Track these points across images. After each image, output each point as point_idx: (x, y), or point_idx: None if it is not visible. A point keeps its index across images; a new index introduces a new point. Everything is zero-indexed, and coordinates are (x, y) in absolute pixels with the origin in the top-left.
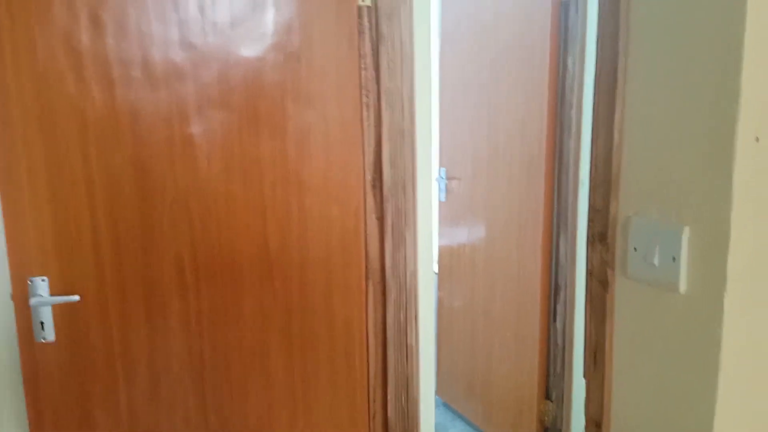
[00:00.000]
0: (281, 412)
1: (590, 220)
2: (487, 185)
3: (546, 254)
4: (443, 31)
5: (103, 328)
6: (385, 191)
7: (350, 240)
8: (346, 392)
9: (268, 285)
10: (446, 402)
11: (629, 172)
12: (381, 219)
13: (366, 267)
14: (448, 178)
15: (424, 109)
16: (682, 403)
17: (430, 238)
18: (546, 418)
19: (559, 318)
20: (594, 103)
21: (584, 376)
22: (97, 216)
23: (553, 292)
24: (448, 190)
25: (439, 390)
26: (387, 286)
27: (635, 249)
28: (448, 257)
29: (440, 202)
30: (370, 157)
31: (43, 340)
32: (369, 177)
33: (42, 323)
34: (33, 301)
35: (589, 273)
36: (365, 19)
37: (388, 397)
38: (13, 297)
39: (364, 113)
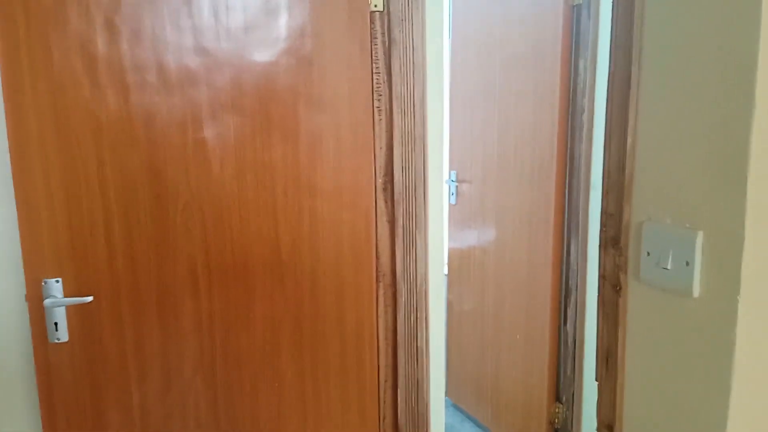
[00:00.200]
0: (291, 414)
1: (603, 225)
2: (498, 188)
3: (557, 257)
4: (454, 34)
5: (116, 328)
6: (396, 195)
7: (361, 243)
8: (356, 394)
9: (279, 287)
10: (456, 403)
11: (642, 177)
12: (392, 222)
13: (376, 270)
14: (459, 181)
15: (435, 113)
16: (695, 407)
17: (440, 242)
18: (556, 421)
19: (569, 321)
20: (607, 108)
21: (596, 380)
22: (110, 218)
23: (563, 295)
24: (458, 193)
25: (449, 391)
26: (397, 289)
27: (648, 253)
28: (458, 260)
29: (450, 205)
30: (381, 161)
31: (56, 341)
32: (380, 180)
33: (56, 324)
34: (47, 302)
35: (602, 277)
36: (377, 24)
37: (398, 400)
38: (28, 298)
39: (376, 117)
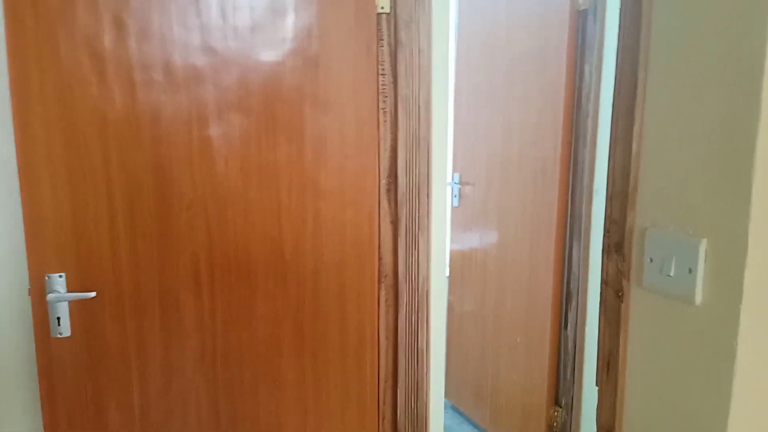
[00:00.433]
0: (292, 413)
1: (606, 230)
2: (501, 191)
3: (558, 261)
4: (459, 37)
5: (118, 325)
6: (399, 196)
7: (364, 244)
8: (357, 394)
9: (282, 286)
10: (455, 405)
11: (647, 183)
12: (395, 223)
13: (379, 271)
14: (462, 184)
15: (440, 116)
16: (695, 414)
17: (443, 243)
18: (555, 424)
19: (570, 325)
20: (612, 114)
21: (596, 384)
22: (115, 215)
23: (564, 299)
24: (461, 196)
25: (448, 393)
26: (399, 290)
27: (651, 260)
28: (460, 262)
29: (453, 207)
30: (385, 162)
31: (59, 336)
32: (384, 182)
33: (58, 319)
34: (50, 296)
35: (604, 282)
36: (384, 26)
37: (398, 400)
38: (31, 292)
39: (381, 119)
